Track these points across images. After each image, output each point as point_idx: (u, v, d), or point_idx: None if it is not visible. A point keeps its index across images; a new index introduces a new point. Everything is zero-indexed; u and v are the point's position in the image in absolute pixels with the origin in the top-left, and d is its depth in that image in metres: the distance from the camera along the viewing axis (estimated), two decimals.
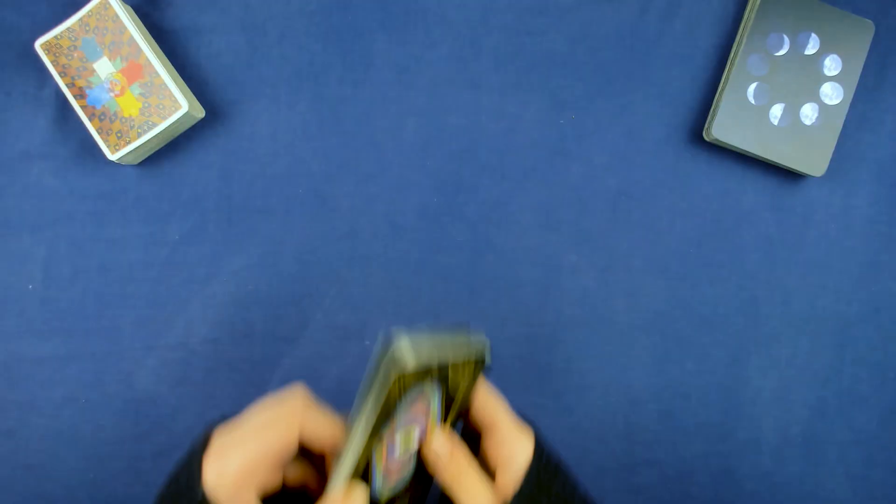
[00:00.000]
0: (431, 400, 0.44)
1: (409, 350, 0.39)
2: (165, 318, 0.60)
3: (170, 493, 0.41)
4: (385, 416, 0.41)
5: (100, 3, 0.57)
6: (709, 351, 0.62)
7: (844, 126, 0.61)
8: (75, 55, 0.57)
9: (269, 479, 0.42)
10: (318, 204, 0.61)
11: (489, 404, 0.44)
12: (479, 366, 0.44)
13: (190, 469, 0.40)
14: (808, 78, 0.60)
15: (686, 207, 0.62)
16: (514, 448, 0.43)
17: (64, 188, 0.60)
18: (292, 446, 0.41)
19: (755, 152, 0.60)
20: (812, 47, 0.60)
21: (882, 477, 0.61)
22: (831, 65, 0.60)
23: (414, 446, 0.44)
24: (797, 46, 0.60)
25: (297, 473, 0.45)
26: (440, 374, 0.43)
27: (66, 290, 0.60)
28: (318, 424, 0.42)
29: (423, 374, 0.42)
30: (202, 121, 0.61)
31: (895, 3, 0.62)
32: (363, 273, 0.61)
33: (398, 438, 0.43)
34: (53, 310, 0.60)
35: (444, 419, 0.45)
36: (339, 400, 0.60)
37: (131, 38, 0.57)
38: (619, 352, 0.61)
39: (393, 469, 0.44)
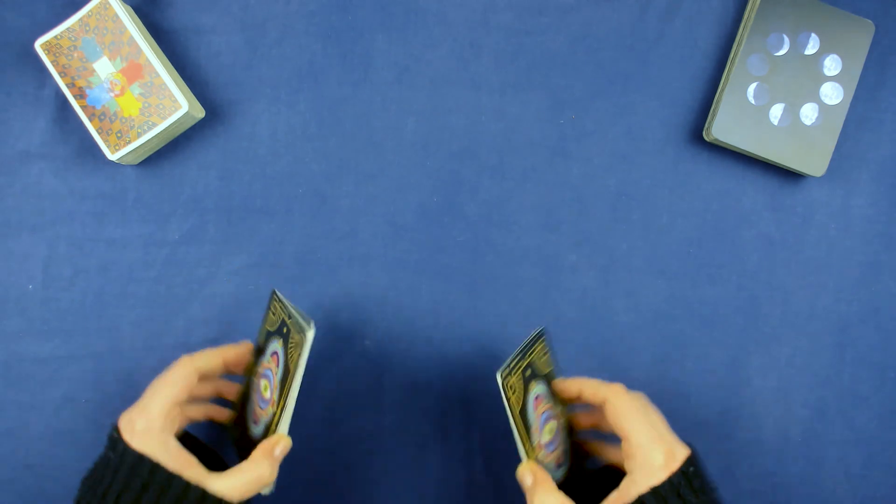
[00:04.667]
0: (542, 395, 0.52)
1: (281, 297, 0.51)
2: (165, 318, 0.60)
3: (100, 466, 0.47)
4: (527, 430, 0.50)
5: (100, 3, 0.57)
6: (709, 351, 0.62)
7: (844, 126, 0.61)
8: (75, 55, 0.57)
9: (178, 423, 0.50)
10: (318, 204, 0.61)
11: (625, 415, 0.48)
12: (299, 347, 0.51)
13: (112, 442, 0.47)
14: (808, 78, 0.60)
15: (686, 207, 0.62)
16: (645, 458, 0.45)
17: (64, 188, 0.60)
18: (193, 384, 0.49)
19: (755, 152, 0.60)
20: (812, 47, 0.60)
21: (882, 477, 0.61)
22: (831, 65, 0.60)
23: (268, 400, 0.52)
24: (797, 46, 0.60)
25: (200, 411, 0.54)
26: (533, 373, 0.52)
27: (66, 290, 0.60)
28: (206, 357, 0.51)
29: (526, 381, 0.51)
30: (202, 121, 0.61)
31: (895, 3, 0.62)
32: (363, 273, 0.61)
33: (545, 438, 0.51)
34: (53, 310, 0.60)
35: (282, 383, 0.51)
36: (339, 400, 0.61)
37: (131, 38, 0.57)
38: (619, 352, 0.61)
39: (258, 410, 0.52)
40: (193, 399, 0.54)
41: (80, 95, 0.57)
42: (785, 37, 0.60)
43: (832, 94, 0.60)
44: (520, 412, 0.51)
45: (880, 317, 0.62)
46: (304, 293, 0.61)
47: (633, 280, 0.62)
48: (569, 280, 0.61)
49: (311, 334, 0.50)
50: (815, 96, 0.60)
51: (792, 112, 0.60)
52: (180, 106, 0.57)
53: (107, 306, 0.60)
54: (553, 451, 0.52)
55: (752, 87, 0.60)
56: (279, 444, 0.49)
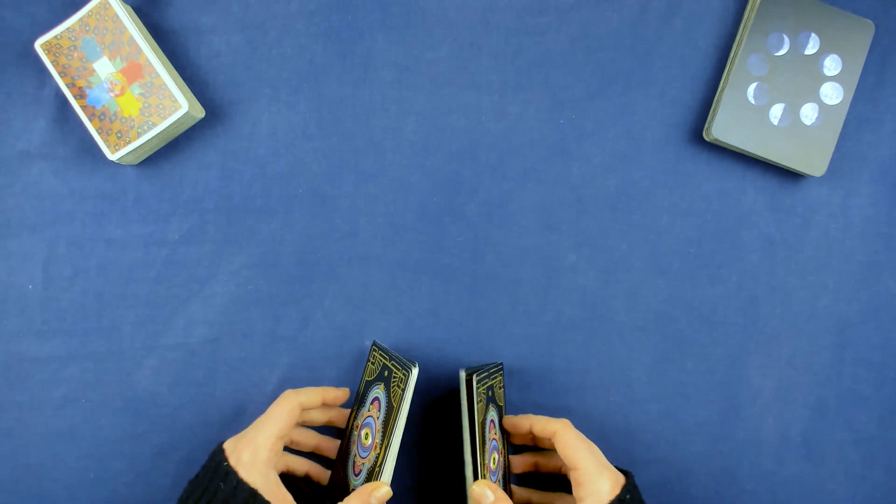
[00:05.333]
0: (496, 422, 0.54)
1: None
2: (165, 318, 0.60)
3: (200, 489, 0.48)
4: (483, 443, 0.52)
5: (100, 3, 0.57)
6: (709, 351, 0.62)
7: (844, 126, 0.61)
8: (75, 55, 0.57)
9: (279, 461, 0.54)
10: (318, 204, 0.61)
11: (574, 446, 0.51)
12: (403, 382, 0.51)
13: (217, 467, 0.48)
14: (808, 78, 0.60)
15: (686, 207, 0.62)
16: (594, 485, 0.49)
17: (64, 188, 0.60)
18: (296, 418, 0.52)
19: (755, 152, 0.60)
20: (812, 47, 0.60)
21: (882, 477, 0.62)
22: (831, 65, 0.60)
23: (369, 447, 0.52)
24: (797, 46, 0.60)
25: (302, 465, 0.57)
26: (492, 398, 0.53)
27: (66, 290, 0.60)
28: (309, 393, 0.53)
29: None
30: (202, 121, 0.61)
31: (895, 3, 0.62)
32: (363, 273, 0.61)
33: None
34: (53, 310, 0.60)
35: (385, 424, 0.53)
36: None
37: (131, 38, 0.57)
38: (619, 352, 0.61)
39: (358, 460, 0.53)
40: (295, 445, 0.56)
41: (80, 95, 0.57)
42: (785, 37, 0.60)
43: (832, 94, 0.60)
44: (480, 422, 0.52)
45: (880, 317, 0.62)
46: (304, 293, 0.61)
47: (633, 280, 0.62)
48: (569, 280, 0.61)
49: (415, 371, 0.51)
50: (815, 96, 0.60)
51: (792, 112, 0.60)
52: (180, 106, 0.57)
53: (107, 306, 0.60)
54: (494, 482, 0.53)
55: (752, 87, 0.60)
56: (378, 489, 0.49)
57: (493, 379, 0.55)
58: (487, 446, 0.52)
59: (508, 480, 0.57)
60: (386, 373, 0.52)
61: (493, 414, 0.54)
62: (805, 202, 0.62)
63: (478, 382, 0.52)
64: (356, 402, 0.56)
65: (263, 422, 0.50)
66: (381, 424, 0.51)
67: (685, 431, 0.61)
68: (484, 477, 0.50)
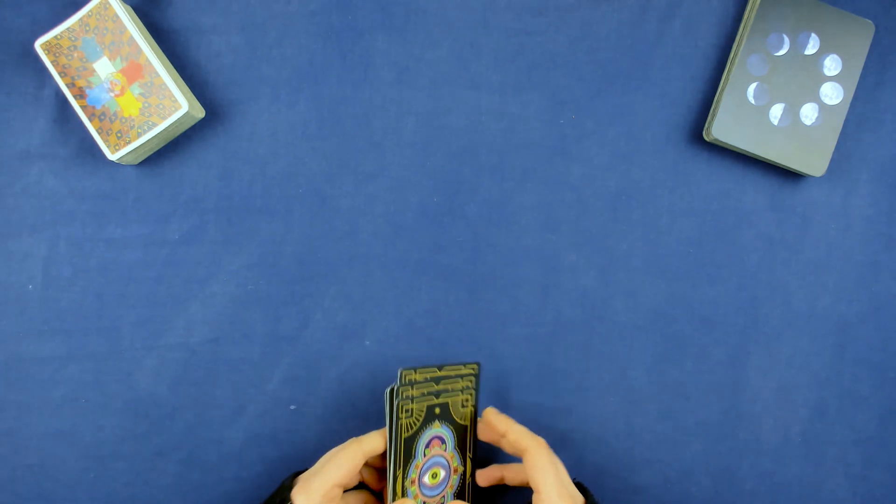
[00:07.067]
0: (446, 440, 0.55)
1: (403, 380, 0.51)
2: (165, 318, 0.60)
3: None
4: (406, 456, 0.52)
5: (100, 3, 0.57)
6: (709, 351, 0.62)
7: (844, 126, 0.61)
8: (75, 55, 0.57)
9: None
10: (318, 204, 0.61)
11: (542, 469, 0.51)
12: (473, 387, 0.53)
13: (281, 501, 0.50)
14: (808, 78, 0.60)
15: (686, 207, 0.62)
16: None
17: (64, 188, 0.60)
18: (359, 467, 0.52)
19: (755, 152, 0.60)
20: (812, 47, 0.60)
21: (882, 477, 0.62)
22: (831, 65, 0.60)
23: (442, 482, 0.54)
24: (797, 46, 0.60)
25: None
26: (443, 415, 0.54)
27: (66, 290, 0.60)
28: (372, 440, 0.52)
29: (428, 415, 0.53)
30: (202, 121, 0.61)
31: (895, 3, 0.62)
32: (363, 273, 0.61)
33: (426, 479, 0.53)
34: (53, 310, 0.60)
35: (468, 453, 0.56)
36: (339, 399, 0.61)
37: (131, 38, 0.57)
38: (619, 352, 0.61)
39: (433, 501, 0.54)
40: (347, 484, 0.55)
41: (80, 95, 0.57)
42: (785, 37, 0.60)
43: (832, 94, 0.60)
44: (406, 438, 0.52)
45: (880, 317, 0.62)
46: (304, 293, 0.61)
47: (633, 280, 0.62)
48: (569, 280, 0.61)
49: (478, 368, 0.56)
50: (815, 96, 0.60)
51: (792, 112, 0.60)
52: (180, 106, 0.57)
53: (107, 306, 0.60)
54: (432, 498, 0.54)
55: (752, 87, 0.60)
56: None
57: (447, 397, 0.54)
58: (419, 461, 0.52)
59: (468, 498, 0.56)
60: (436, 410, 0.53)
61: (443, 433, 0.54)
62: (805, 202, 0.62)
63: (399, 397, 0.51)
64: (396, 462, 0.52)
65: (324, 466, 0.51)
66: (457, 448, 0.55)
67: (685, 431, 0.61)
68: (404, 495, 0.51)
